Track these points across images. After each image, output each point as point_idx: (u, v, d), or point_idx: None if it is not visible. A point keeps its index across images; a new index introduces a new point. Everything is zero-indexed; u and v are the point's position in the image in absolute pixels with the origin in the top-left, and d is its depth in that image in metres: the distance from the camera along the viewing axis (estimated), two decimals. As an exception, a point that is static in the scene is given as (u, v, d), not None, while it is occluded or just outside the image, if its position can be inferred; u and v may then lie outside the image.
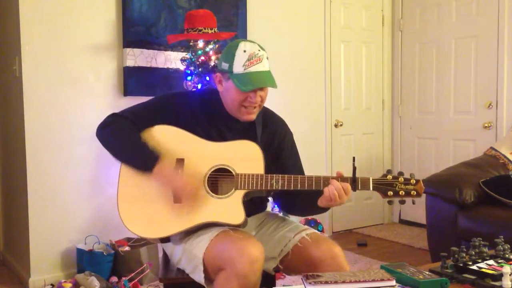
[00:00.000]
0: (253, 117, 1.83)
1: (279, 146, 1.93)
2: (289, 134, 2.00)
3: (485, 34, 4.12)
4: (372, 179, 1.72)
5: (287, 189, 1.74)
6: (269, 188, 1.74)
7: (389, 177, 1.73)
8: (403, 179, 1.73)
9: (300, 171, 1.94)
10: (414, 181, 1.73)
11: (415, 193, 1.72)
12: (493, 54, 4.06)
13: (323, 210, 1.80)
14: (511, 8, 3.95)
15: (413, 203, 1.74)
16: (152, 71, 3.42)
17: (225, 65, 1.78)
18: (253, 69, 1.74)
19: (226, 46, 1.86)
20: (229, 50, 1.78)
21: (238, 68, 1.74)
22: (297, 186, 1.73)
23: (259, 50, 1.77)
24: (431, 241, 3.20)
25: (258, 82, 1.74)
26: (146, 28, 3.39)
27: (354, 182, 1.71)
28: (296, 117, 4.19)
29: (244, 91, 1.74)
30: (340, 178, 1.72)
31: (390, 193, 1.72)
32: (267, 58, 1.80)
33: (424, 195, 1.84)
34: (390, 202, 1.75)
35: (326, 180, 1.71)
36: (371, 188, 1.72)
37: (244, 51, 1.74)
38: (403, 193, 1.72)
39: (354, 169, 1.72)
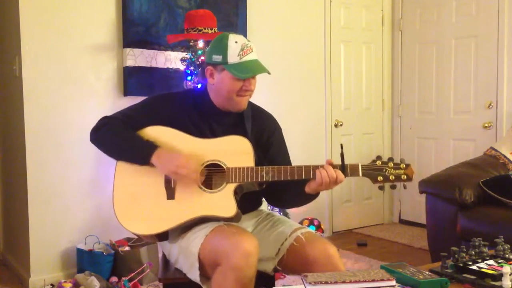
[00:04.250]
0: (245, 105, 1.86)
1: (268, 140, 1.95)
2: (278, 129, 2.02)
3: (485, 34, 4.12)
4: (361, 165, 1.72)
5: (277, 180, 1.74)
6: (259, 179, 1.74)
7: (379, 162, 1.73)
8: (392, 164, 1.73)
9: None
10: (404, 166, 1.72)
11: (405, 177, 1.72)
12: (493, 54, 4.06)
13: (311, 197, 1.81)
14: (511, 8, 3.95)
15: (404, 187, 1.74)
16: (152, 71, 3.42)
17: (217, 57, 1.80)
18: (247, 58, 1.80)
19: (213, 40, 1.89)
20: (220, 43, 1.81)
21: (233, 58, 1.78)
22: (287, 176, 1.73)
23: (248, 41, 1.83)
24: (431, 241, 3.19)
25: (256, 69, 1.80)
26: (146, 28, 3.39)
27: (343, 169, 1.71)
28: (296, 117, 4.20)
29: (243, 78, 1.79)
30: (330, 166, 1.72)
31: (380, 178, 1.71)
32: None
33: (415, 180, 1.80)
34: (381, 188, 1.75)
35: (316, 169, 1.71)
36: (360, 174, 1.71)
37: (236, 42, 1.80)
38: (393, 177, 1.71)
39: (342, 155, 1.72)
